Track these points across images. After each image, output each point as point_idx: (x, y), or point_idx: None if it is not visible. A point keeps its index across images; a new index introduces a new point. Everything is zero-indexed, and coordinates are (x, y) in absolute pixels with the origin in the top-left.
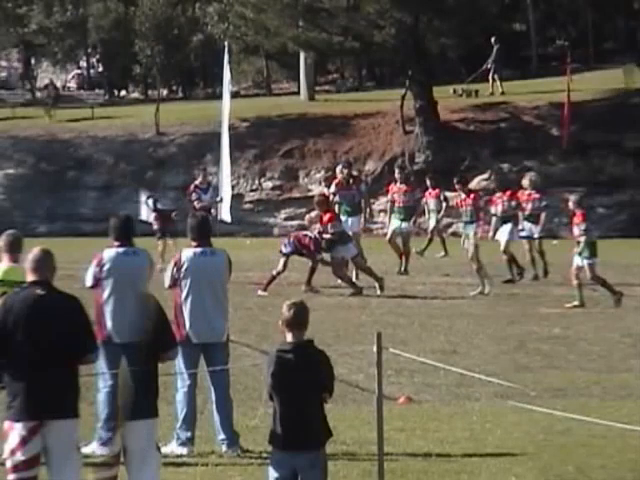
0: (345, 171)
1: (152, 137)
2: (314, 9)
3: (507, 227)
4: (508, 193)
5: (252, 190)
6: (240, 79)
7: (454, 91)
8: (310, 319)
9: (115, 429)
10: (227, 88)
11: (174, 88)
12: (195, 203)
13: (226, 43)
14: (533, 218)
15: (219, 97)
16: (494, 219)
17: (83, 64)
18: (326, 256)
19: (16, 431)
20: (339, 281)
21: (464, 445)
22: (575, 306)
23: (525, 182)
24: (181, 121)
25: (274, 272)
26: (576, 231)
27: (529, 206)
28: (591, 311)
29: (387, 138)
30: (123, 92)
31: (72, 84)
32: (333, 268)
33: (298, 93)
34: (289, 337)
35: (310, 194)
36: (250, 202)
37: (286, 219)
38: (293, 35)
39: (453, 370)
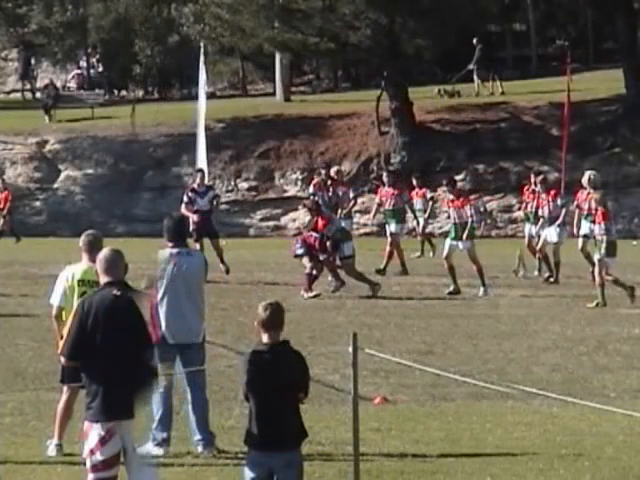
0: (323, 172)
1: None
2: (289, 10)
3: (553, 229)
4: (552, 193)
5: (228, 191)
6: (216, 80)
7: (439, 91)
8: (286, 319)
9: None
10: (203, 89)
11: (150, 89)
12: (183, 207)
13: (202, 44)
14: (592, 217)
15: (195, 98)
16: (541, 221)
17: (83, 64)
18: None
19: (95, 431)
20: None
21: (440, 445)
22: None
23: (584, 181)
24: (157, 122)
25: (307, 272)
26: (597, 230)
27: (586, 205)
28: None
29: (362, 139)
30: (123, 92)
31: (72, 84)
32: (345, 270)
33: (274, 94)
34: (265, 338)
35: (286, 195)
36: (226, 203)
37: (262, 220)
38: (269, 36)
39: (429, 370)
